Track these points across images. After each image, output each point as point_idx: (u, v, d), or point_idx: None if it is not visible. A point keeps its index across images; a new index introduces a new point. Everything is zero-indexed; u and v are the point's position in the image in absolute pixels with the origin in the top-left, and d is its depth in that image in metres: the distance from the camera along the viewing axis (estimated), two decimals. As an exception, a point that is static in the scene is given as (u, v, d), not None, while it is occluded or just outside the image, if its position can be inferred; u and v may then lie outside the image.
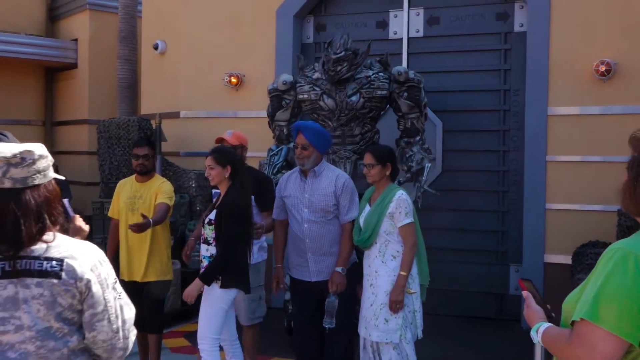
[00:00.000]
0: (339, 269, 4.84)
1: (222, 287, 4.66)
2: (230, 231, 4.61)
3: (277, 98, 6.45)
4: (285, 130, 6.43)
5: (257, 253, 5.28)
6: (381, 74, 6.30)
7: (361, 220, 4.78)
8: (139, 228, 4.96)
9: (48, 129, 12.60)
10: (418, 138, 6.48)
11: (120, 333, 2.27)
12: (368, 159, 4.77)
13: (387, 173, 4.78)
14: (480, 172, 7.53)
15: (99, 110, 11.36)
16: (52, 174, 2.29)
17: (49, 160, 2.29)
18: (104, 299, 2.22)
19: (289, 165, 6.35)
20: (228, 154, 4.78)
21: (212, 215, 4.74)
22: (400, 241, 4.67)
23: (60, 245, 2.20)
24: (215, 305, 4.67)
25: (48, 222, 2.20)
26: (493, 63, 7.49)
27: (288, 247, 5.11)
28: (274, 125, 6.52)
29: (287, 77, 6.46)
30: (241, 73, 8.30)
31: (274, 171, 6.24)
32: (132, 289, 5.18)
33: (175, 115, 8.75)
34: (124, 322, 2.28)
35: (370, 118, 6.32)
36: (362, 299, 4.85)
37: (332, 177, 4.94)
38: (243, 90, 8.34)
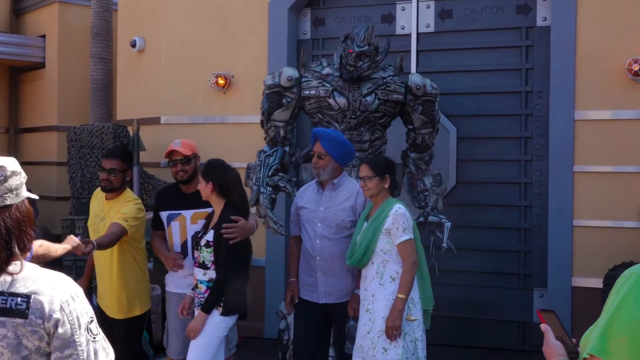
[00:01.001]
0: (358, 292, 4.96)
1: (223, 314, 4.78)
2: (230, 253, 4.73)
3: (276, 95, 6.36)
4: (282, 131, 6.34)
5: None
6: (396, 77, 6.30)
7: (357, 239, 4.81)
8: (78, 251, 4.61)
9: (12, 137, 12.59)
10: (427, 157, 6.53)
11: None
12: (364, 170, 4.84)
13: (386, 186, 4.83)
14: (499, 184, 7.51)
15: (69, 115, 11.35)
16: (25, 193, 2.24)
17: (23, 177, 2.24)
18: (75, 341, 2.14)
19: (283, 168, 6.31)
20: (213, 169, 4.87)
21: (210, 237, 4.82)
22: (399, 261, 4.71)
23: (27, 278, 2.14)
24: (211, 334, 4.74)
25: (16, 249, 2.15)
26: (513, 61, 7.48)
27: (300, 264, 5.25)
28: (269, 125, 6.43)
29: (292, 72, 6.38)
30: (229, 73, 8.29)
31: (269, 173, 6.19)
32: (104, 317, 5.17)
33: (155, 121, 8.73)
34: None
35: (381, 124, 6.31)
36: (357, 327, 4.88)
37: (352, 191, 5.10)
38: (232, 92, 8.32)
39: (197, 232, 5.04)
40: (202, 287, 4.85)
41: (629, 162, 6.85)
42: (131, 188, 6.09)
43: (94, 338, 2.20)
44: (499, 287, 7.46)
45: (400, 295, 4.62)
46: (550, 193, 7.12)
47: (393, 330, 4.58)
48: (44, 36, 11.88)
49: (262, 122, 6.48)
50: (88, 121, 10.20)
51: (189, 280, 5.18)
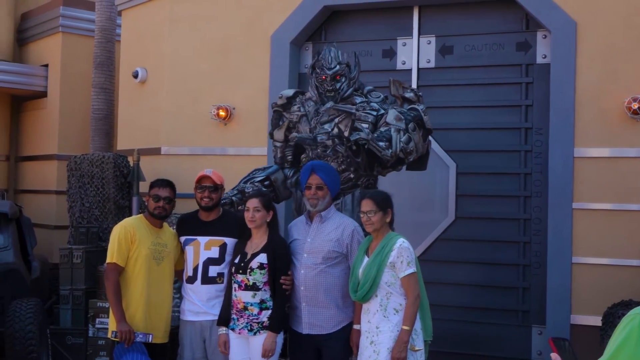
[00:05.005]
0: (357, 327, 4.97)
1: (279, 332, 5.07)
2: (285, 273, 5.08)
3: (277, 114, 6.32)
4: (279, 152, 6.25)
5: None
6: (374, 103, 5.93)
7: (359, 272, 4.84)
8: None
9: (12, 165, 12.60)
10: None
11: None
12: (368, 205, 4.86)
13: (387, 220, 4.88)
14: (498, 220, 7.50)
15: (69, 144, 11.39)
16: None
17: None
18: None
19: (272, 185, 6.13)
20: (270, 200, 5.29)
21: (262, 259, 5.04)
22: (403, 293, 4.76)
23: None
24: (275, 356, 5.02)
25: None
26: (513, 98, 7.51)
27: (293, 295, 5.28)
28: (273, 145, 6.36)
29: (288, 91, 6.36)
30: (230, 105, 8.32)
31: (244, 180, 6.14)
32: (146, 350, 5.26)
33: (155, 151, 8.75)
34: None
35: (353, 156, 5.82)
36: (359, 359, 4.89)
37: (339, 224, 5.16)
38: (232, 124, 8.35)
39: (240, 258, 5.16)
40: (254, 309, 5.02)
41: (628, 200, 6.84)
42: (130, 218, 6.15)
43: None
44: (498, 324, 7.41)
45: (405, 327, 4.66)
46: (549, 229, 7.11)
47: None
48: (46, 65, 11.95)
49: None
50: (88, 150, 10.23)
51: (203, 308, 5.30)
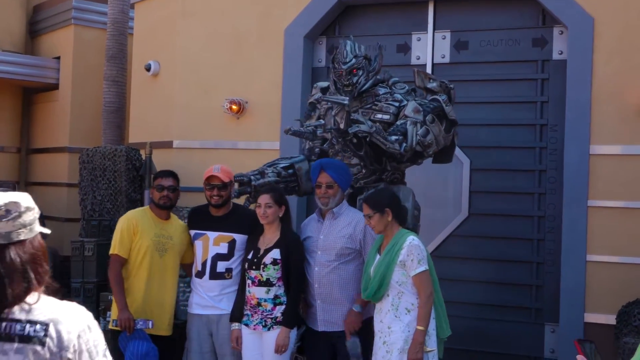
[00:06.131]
0: (356, 308, 5.01)
1: (292, 327, 5.09)
2: (300, 268, 5.12)
3: (311, 105, 6.28)
4: (307, 144, 6.11)
5: None
6: (397, 95, 5.78)
7: (371, 271, 4.82)
8: None
9: (23, 157, 12.62)
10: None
11: None
12: (365, 209, 4.93)
13: (389, 219, 4.82)
14: (512, 217, 7.46)
15: (81, 137, 11.39)
16: (38, 228, 2.30)
17: (36, 212, 2.30)
18: None
19: (294, 175, 5.95)
20: (283, 195, 5.25)
21: (276, 255, 5.05)
22: (415, 292, 4.73)
23: (44, 308, 2.19)
24: (287, 352, 5.03)
25: (34, 281, 2.21)
26: (528, 94, 7.47)
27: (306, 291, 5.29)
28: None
29: (323, 82, 6.30)
30: (243, 99, 8.30)
31: (268, 165, 5.91)
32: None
33: (167, 144, 8.74)
34: None
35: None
36: (373, 359, 4.87)
37: (352, 220, 5.14)
38: (245, 118, 8.33)
39: (253, 254, 5.15)
40: (268, 305, 5.04)
41: (644, 198, 6.80)
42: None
43: None
44: (510, 321, 7.39)
45: (420, 327, 4.62)
46: (563, 227, 7.06)
47: None
48: (58, 58, 11.95)
49: None
50: (99, 143, 10.23)
51: (210, 302, 5.32)
